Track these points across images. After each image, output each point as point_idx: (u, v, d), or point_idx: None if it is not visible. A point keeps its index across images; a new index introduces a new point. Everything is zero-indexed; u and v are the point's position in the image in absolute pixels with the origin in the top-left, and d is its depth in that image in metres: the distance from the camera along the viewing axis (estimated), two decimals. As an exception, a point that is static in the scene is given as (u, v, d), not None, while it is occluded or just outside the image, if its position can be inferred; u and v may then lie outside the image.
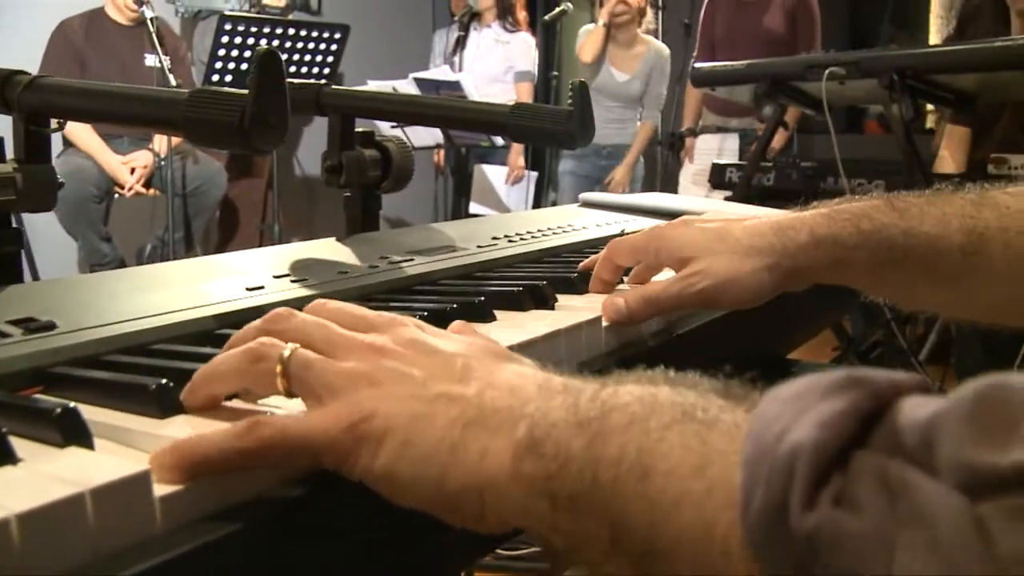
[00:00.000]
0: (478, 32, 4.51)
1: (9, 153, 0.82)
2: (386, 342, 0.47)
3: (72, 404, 0.43)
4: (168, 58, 3.46)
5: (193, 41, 4.39)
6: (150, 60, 3.71)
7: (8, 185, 0.79)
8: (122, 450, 0.43)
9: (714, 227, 0.76)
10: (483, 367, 0.45)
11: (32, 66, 3.55)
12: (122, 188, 3.65)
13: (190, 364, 0.51)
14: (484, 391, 0.43)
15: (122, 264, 3.65)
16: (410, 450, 0.41)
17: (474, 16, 4.45)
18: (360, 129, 1.06)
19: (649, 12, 4.34)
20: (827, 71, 2.33)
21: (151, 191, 3.70)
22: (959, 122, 2.86)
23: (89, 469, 0.38)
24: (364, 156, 1.06)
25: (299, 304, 0.68)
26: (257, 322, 0.50)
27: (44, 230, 3.83)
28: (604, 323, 0.70)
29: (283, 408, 0.48)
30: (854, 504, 0.29)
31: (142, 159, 3.66)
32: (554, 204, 4.20)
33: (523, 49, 4.51)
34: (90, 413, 0.45)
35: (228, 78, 3.35)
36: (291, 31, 3.43)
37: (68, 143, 3.58)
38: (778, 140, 3.64)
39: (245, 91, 0.62)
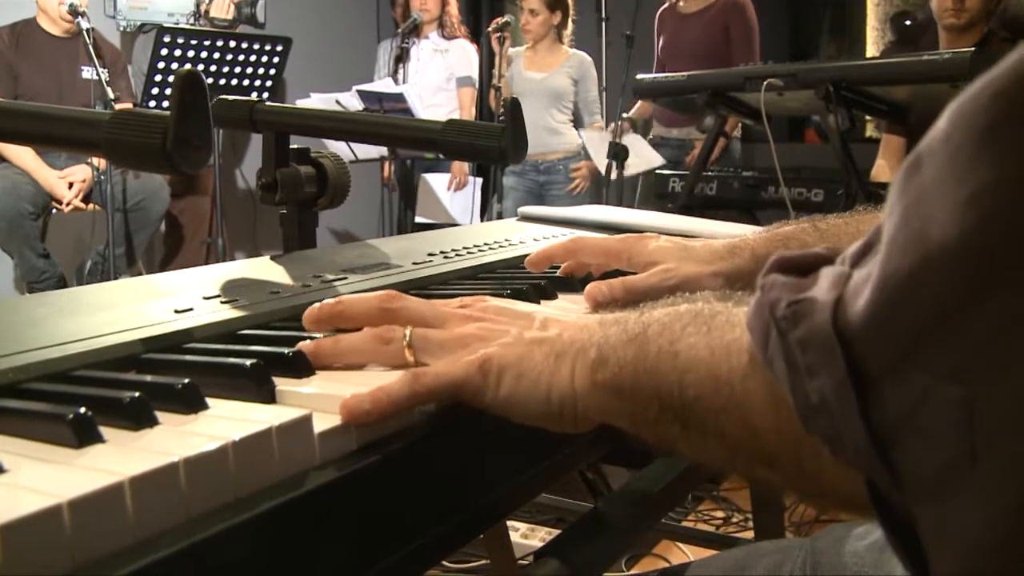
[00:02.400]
0: (417, 44, 4.52)
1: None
2: (481, 312, 0.64)
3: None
4: (107, 71, 3.40)
5: (134, 54, 4.32)
6: (87, 73, 3.64)
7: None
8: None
9: (680, 243, 0.89)
10: (555, 317, 0.63)
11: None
12: (60, 203, 3.58)
13: (109, 391, 0.51)
14: (562, 332, 0.59)
15: (61, 281, 3.58)
16: (522, 379, 0.57)
17: (415, 29, 4.46)
18: (295, 146, 1.06)
19: (569, 25, 4.37)
20: (765, 82, 2.37)
21: (90, 206, 3.64)
22: (895, 132, 2.92)
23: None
24: (299, 173, 1.06)
25: (224, 326, 0.68)
26: (373, 298, 0.65)
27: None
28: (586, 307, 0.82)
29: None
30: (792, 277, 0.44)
31: (80, 173, 3.59)
32: (500, 214, 4.20)
33: (462, 55, 4.53)
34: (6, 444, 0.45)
35: (168, 91, 3.30)
36: (232, 43, 3.39)
37: (1, 158, 3.51)
38: (716, 149, 3.69)
39: (162, 112, 0.61)
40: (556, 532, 2.25)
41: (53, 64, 3.67)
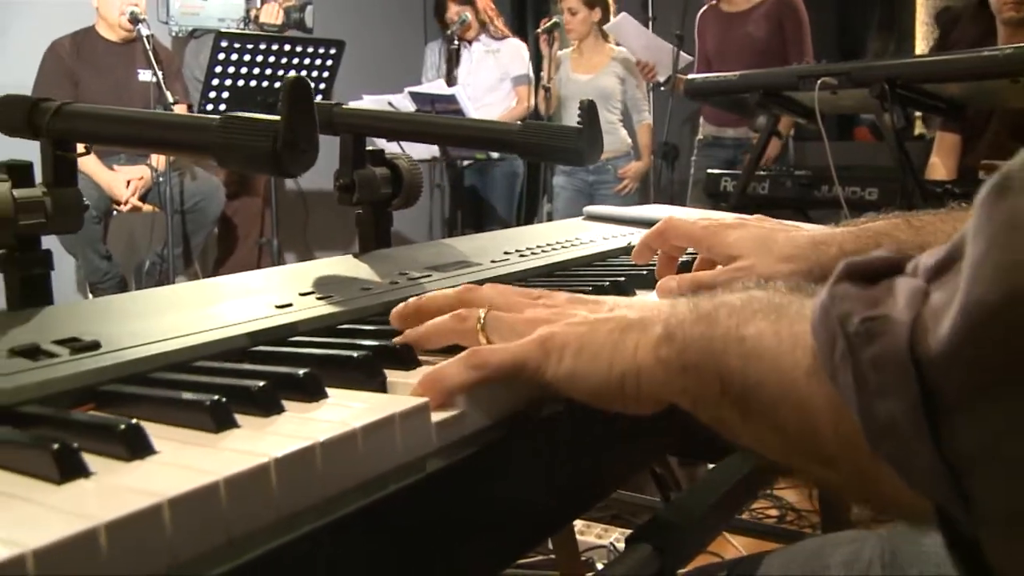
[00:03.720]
0: (467, 48, 4.57)
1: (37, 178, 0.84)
2: (552, 300, 0.65)
3: (134, 422, 0.46)
4: (162, 74, 3.48)
5: (185, 59, 4.41)
6: (143, 76, 3.73)
7: (38, 209, 0.81)
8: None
9: (763, 233, 0.87)
10: (625, 301, 0.63)
11: (24, 86, 3.58)
12: (119, 204, 3.66)
13: (235, 380, 0.54)
14: (630, 310, 0.59)
15: (122, 282, 3.66)
16: (584, 353, 0.57)
17: (462, 35, 4.51)
18: (370, 147, 1.09)
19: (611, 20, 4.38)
20: (819, 81, 2.36)
21: (149, 207, 3.72)
22: (949, 129, 2.90)
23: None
24: (375, 174, 1.09)
25: (325, 320, 0.72)
26: (452, 292, 0.68)
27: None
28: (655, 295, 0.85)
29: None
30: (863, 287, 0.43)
31: (138, 172, 3.68)
32: (550, 215, 4.22)
33: (515, 55, 4.56)
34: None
35: (225, 94, 3.37)
36: (286, 47, 3.45)
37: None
38: (773, 149, 3.68)
39: (275, 117, 0.64)
40: (610, 527, 2.27)
41: (111, 69, 3.76)
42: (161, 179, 3.53)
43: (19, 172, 0.80)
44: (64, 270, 4.13)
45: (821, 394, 0.44)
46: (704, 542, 0.75)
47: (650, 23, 4.59)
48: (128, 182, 3.66)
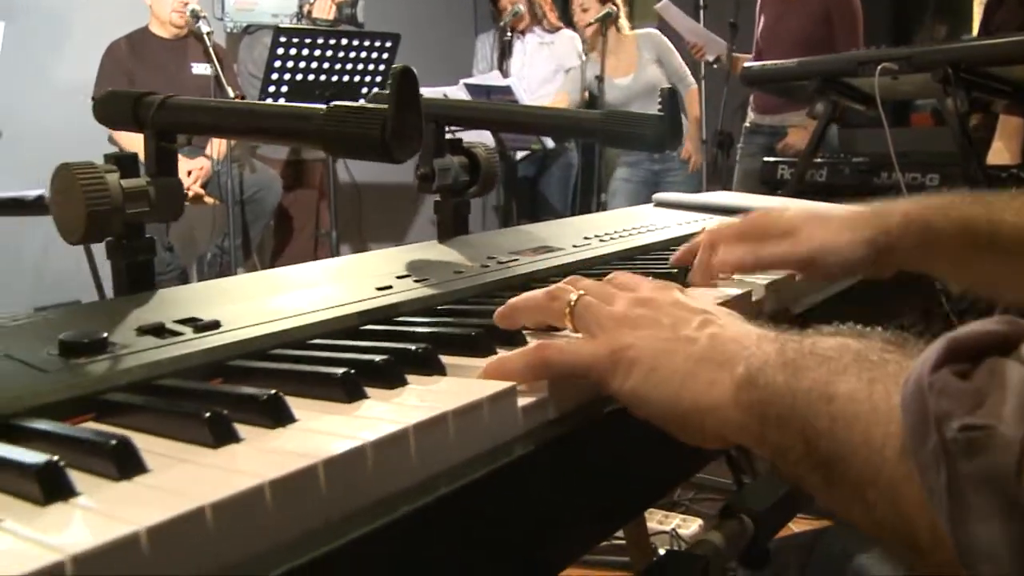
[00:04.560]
0: (521, 40, 4.59)
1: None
2: (650, 295, 0.61)
3: (275, 392, 0.49)
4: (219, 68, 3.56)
5: (239, 55, 4.48)
6: (196, 69, 3.81)
7: (143, 198, 0.85)
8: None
9: (816, 207, 0.86)
10: (717, 321, 0.57)
11: (86, 86, 3.66)
12: (182, 194, 3.74)
13: (351, 355, 0.57)
14: (716, 336, 0.55)
15: (183, 273, 3.74)
16: (653, 375, 0.54)
17: (514, 26, 4.53)
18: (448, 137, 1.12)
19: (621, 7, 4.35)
20: (880, 67, 2.35)
21: (210, 199, 3.79)
22: (1013, 113, 2.86)
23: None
24: (454, 163, 1.12)
25: (425, 302, 0.74)
26: (562, 282, 0.65)
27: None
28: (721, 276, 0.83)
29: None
30: (968, 377, 0.39)
31: (198, 164, 3.75)
32: (604, 207, 4.23)
33: (569, 46, 4.58)
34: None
35: (284, 88, 3.43)
36: (343, 41, 3.50)
37: (127, 156, 3.67)
38: (798, 139, 3.66)
39: (382, 105, 0.67)
40: (671, 514, 2.29)
41: (163, 65, 3.85)
42: (220, 168, 3.60)
43: (125, 163, 0.84)
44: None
45: (917, 483, 0.40)
46: (793, 512, 0.76)
47: (701, 12, 4.57)
48: (189, 172, 3.74)
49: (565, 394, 0.56)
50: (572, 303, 0.61)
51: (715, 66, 4.20)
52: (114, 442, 0.42)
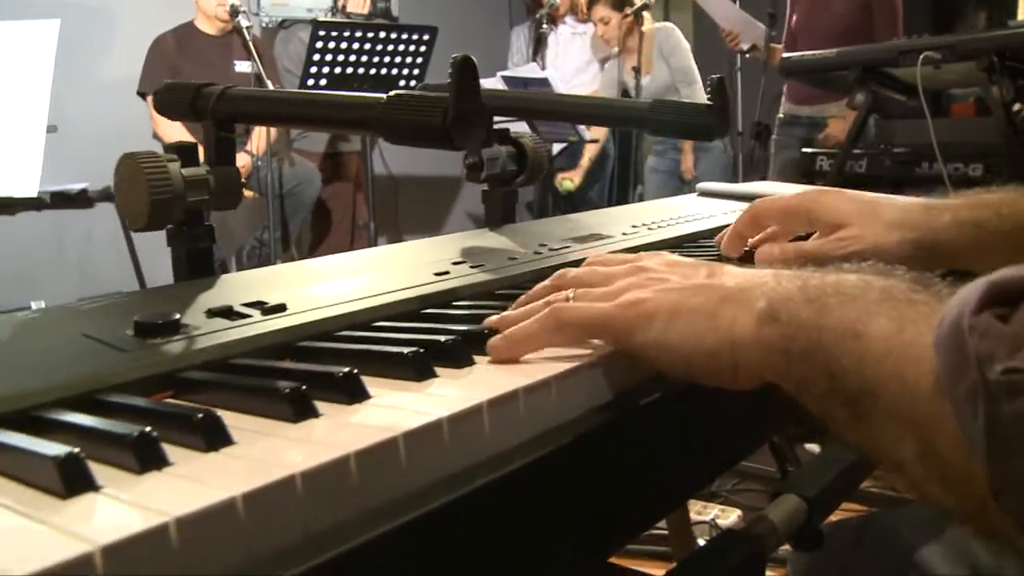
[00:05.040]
0: (555, 30, 4.59)
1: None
2: (646, 263, 0.61)
3: (353, 370, 0.50)
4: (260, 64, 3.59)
5: (275, 49, 4.52)
6: (239, 67, 3.85)
7: (203, 186, 0.87)
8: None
9: (866, 199, 0.81)
10: (724, 268, 0.58)
11: (131, 79, 3.72)
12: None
13: (418, 336, 0.58)
14: (730, 279, 0.56)
15: (223, 265, 3.78)
16: (676, 321, 0.54)
17: (551, 15, 4.53)
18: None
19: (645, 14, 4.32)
20: (922, 56, 2.33)
21: (250, 193, 3.83)
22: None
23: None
24: (502, 152, 1.13)
25: (484, 286, 0.75)
26: (547, 281, 0.65)
27: (144, 234, 3.99)
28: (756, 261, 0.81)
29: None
30: (1007, 320, 0.39)
31: (239, 159, 3.79)
32: (641, 196, 4.23)
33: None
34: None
35: (323, 82, 3.46)
36: (381, 34, 3.52)
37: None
38: (838, 129, 3.63)
39: (442, 94, 0.68)
40: (709, 504, 2.29)
41: (209, 61, 3.89)
42: (260, 163, 3.64)
43: (186, 152, 0.86)
44: (167, 254, 4.28)
45: (950, 420, 0.40)
46: (847, 493, 0.77)
47: (736, 1, 4.55)
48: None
49: (623, 374, 0.57)
50: (570, 299, 0.60)
51: (748, 56, 4.17)
52: (201, 415, 0.44)
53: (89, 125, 3.76)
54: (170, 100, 0.92)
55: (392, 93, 0.70)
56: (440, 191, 5.53)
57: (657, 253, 0.64)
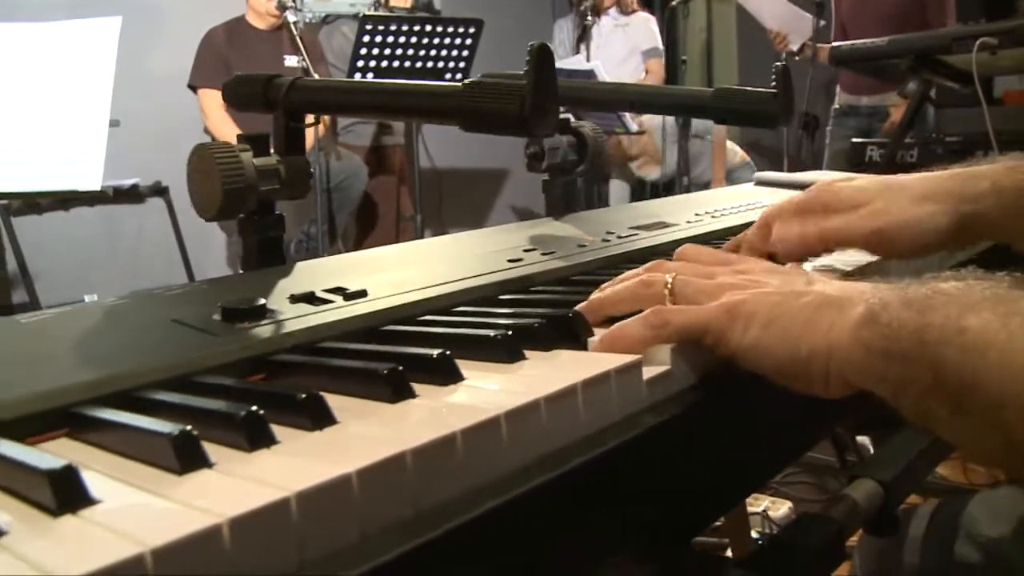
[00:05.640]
0: (597, 22, 4.58)
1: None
2: (746, 265, 0.62)
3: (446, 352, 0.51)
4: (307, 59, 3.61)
5: (319, 44, 4.55)
6: (289, 61, 3.87)
7: (274, 176, 0.88)
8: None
9: (883, 178, 0.76)
10: (822, 278, 0.60)
11: (182, 73, 3.76)
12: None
13: (504, 320, 0.59)
14: (828, 287, 0.56)
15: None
16: (772, 325, 0.54)
17: (593, 7, 4.52)
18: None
19: None
20: (978, 42, 2.30)
21: (296, 187, 3.86)
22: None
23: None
24: (563, 142, 1.13)
25: (558, 273, 0.76)
26: (639, 268, 0.65)
27: (192, 228, 4.05)
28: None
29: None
30: None
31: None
32: (687, 189, 4.20)
33: (643, 28, 4.56)
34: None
35: (369, 76, 3.48)
36: (427, 28, 3.53)
37: (218, 144, 3.75)
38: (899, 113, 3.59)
39: (519, 81, 0.69)
40: (759, 496, 2.28)
41: (260, 56, 3.92)
42: (309, 159, 3.66)
43: (257, 142, 0.87)
44: (216, 247, 4.34)
45: None
46: (922, 478, 0.76)
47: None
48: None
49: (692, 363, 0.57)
50: (669, 283, 0.60)
51: (797, 57, 4.14)
52: (304, 395, 0.45)
53: (140, 121, 3.81)
54: (241, 91, 0.94)
55: (468, 81, 0.71)
56: (484, 184, 5.54)
57: (756, 259, 0.66)
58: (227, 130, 3.61)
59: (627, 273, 0.65)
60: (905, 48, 2.61)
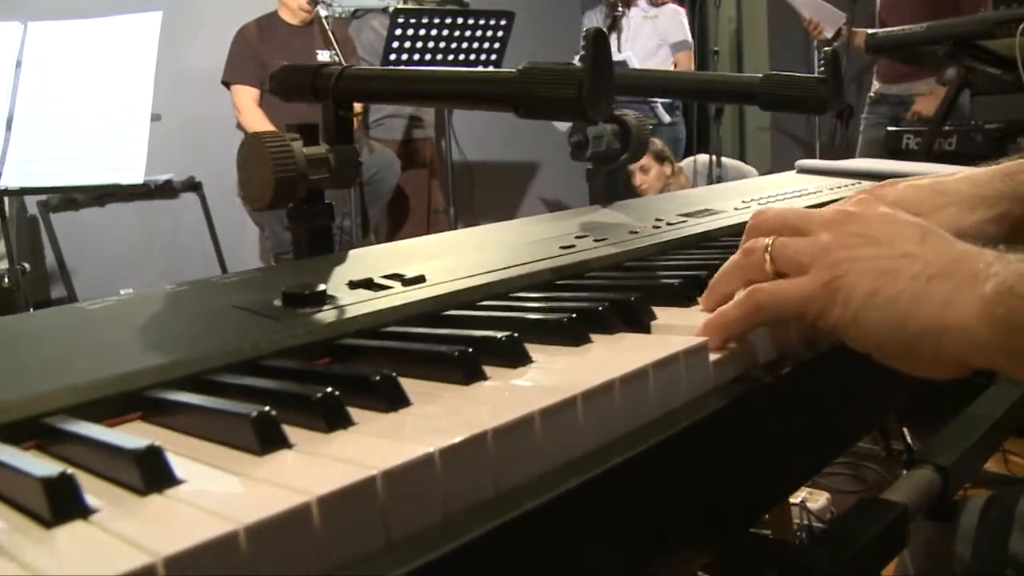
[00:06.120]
0: (627, 13, 4.56)
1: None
2: (854, 209, 0.55)
3: (513, 333, 0.51)
4: (339, 53, 3.63)
5: (351, 39, 4.56)
6: (321, 56, 3.89)
7: (323, 164, 0.89)
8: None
9: (928, 183, 0.72)
10: (939, 234, 0.53)
11: (216, 69, 3.78)
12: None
13: (566, 304, 0.59)
14: (942, 252, 0.50)
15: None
16: (876, 299, 0.50)
17: (624, -1, 4.51)
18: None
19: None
20: (1021, 26, 2.26)
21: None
22: None
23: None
24: (607, 130, 1.13)
25: (612, 259, 0.76)
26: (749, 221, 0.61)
27: (225, 223, 4.08)
28: None
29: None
30: None
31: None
32: (719, 179, 4.19)
33: (672, 21, 4.53)
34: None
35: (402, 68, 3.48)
36: (459, 20, 3.53)
37: (250, 139, 3.77)
38: (926, 105, 3.56)
39: (574, 66, 0.69)
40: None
41: (291, 51, 3.93)
42: (340, 153, 3.67)
43: (307, 132, 0.88)
44: (249, 242, 4.37)
45: None
46: (980, 465, 0.76)
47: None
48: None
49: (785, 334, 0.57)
50: (768, 248, 0.56)
51: (835, 44, 4.10)
52: (378, 377, 0.45)
53: (173, 117, 3.84)
54: (289, 81, 0.94)
55: (523, 67, 0.71)
56: (513, 176, 5.54)
57: (868, 199, 0.58)
58: (260, 126, 3.63)
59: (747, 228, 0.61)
60: (944, 34, 2.57)
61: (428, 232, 4.45)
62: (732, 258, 0.60)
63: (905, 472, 0.71)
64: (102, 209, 4.05)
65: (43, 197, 3.77)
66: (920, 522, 0.73)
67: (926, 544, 0.89)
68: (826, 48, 0.96)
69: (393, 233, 4.50)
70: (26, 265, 2.33)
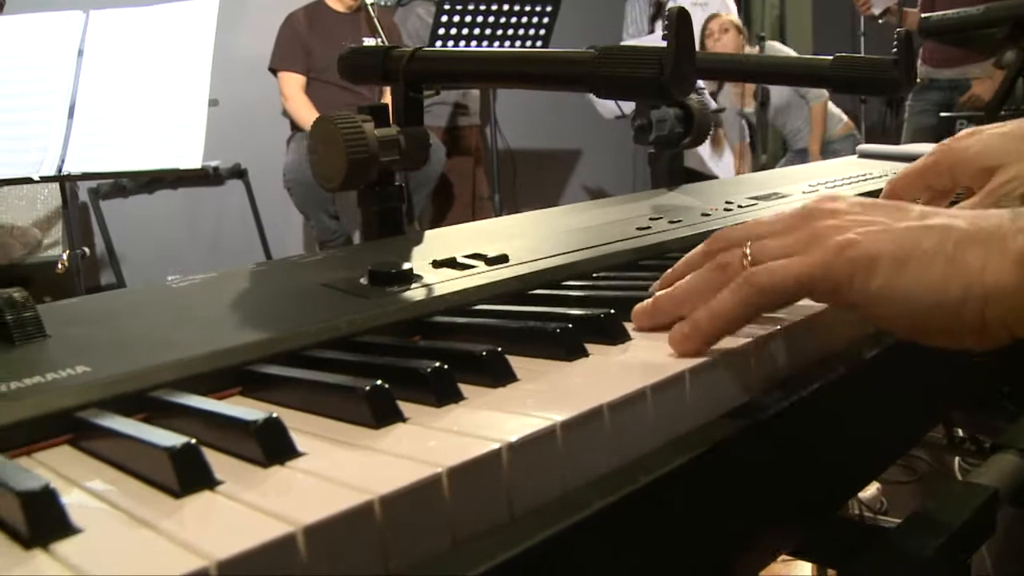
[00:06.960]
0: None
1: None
2: (836, 205, 0.49)
3: (611, 310, 0.51)
4: (386, 41, 3.64)
5: (397, 27, 4.57)
6: (368, 43, 3.90)
7: (394, 146, 0.89)
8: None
9: (1012, 127, 0.68)
10: (935, 209, 0.48)
11: (263, 56, 3.80)
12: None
13: (640, 283, 0.59)
14: (954, 220, 0.46)
15: (348, 239, 3.86)
16: (906, 267, 0.44)
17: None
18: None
19: None
20: (1082, 10, 2.22)
21: (374, 169, 3.89)
22: None
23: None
24: (670, 114, 1.12)
25: (690, 240, 0.76)
26: (701, 246, 0.54)
27: (271, 210, 4.11)
28: None
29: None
30: None
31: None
32: (765, 166, 4.16)
33: (721, 5, 4.49)
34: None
35: (447, 56, 3.48)
36: (505, 7, 3.53)
37: (296, 128, 3.80)
38: (984, 89, 3.50)
39: (655, 45, 0.68)
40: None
41: (339, 39, 3.95)
42: (385, 140, 3.68)
43: (378, 113, 0.88)
44: (294, 229, 4.40)
45: None
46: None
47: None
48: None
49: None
50: (748, 254, 0.49)
51: (881, 21, 4.05)
52: (485, 353, 0.45)
53: (220, 103, 3.87)
54: (358, 64, 0.94)
55: (602, 47, 0.70)
56: (556, 164, 5.53)
57: (832, 195, 0.51)
58: (306, 113, 3.64)
59: (685, 259, 0.56)
60: (1003, 16, 2.52)
61: (473, 219, 4.46)
62: (699, 275, 0.51)
63: (988, 458, 0.70)
64: (150, 196, 4.10)
65: (93, 184, 3.82)
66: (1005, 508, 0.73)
67: (1005, 530, 0.88)
68: (898, 29, 0.95)
69: (438, 221, 4.51)
70: (86, 249, 2.37)
